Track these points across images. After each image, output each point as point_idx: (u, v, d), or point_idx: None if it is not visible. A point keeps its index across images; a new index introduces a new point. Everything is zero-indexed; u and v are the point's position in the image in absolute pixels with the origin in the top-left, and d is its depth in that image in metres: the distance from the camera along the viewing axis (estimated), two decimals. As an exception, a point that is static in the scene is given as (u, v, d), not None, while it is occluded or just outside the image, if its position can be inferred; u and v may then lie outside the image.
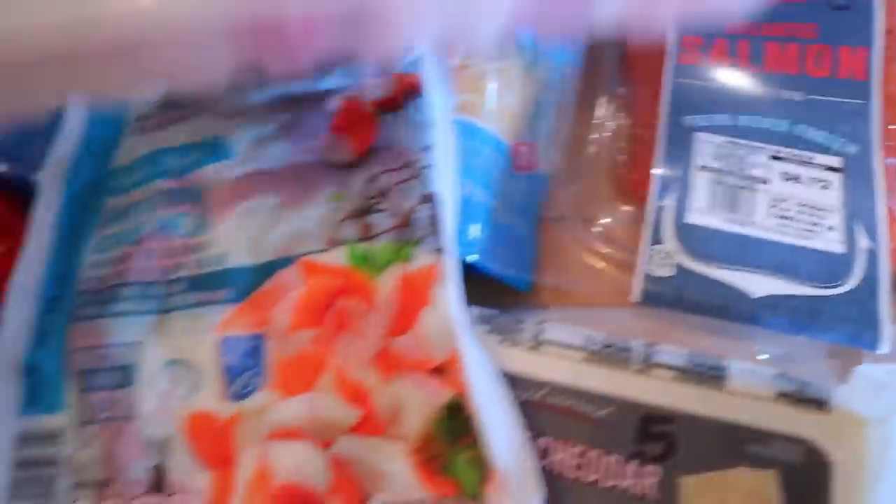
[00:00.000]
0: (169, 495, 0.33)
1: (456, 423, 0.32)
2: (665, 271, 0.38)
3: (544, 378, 0.35)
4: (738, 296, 0.38)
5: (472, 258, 0.39)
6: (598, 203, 0.44)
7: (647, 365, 0.35)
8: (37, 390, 0.36)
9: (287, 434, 0.33)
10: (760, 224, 0.40)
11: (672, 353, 0.36)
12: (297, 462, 0.33)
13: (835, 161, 0.41)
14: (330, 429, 0.33)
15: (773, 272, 0.38)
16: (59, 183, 0.41)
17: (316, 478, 0.33)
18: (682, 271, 0.38)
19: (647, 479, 0.33)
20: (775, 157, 0.41)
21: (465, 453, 0.32)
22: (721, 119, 0.43)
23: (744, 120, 0.43)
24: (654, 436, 0.34)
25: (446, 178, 0.37)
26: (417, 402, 0.33)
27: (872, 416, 0.33)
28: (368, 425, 0.33)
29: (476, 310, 0.37)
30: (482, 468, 0.31)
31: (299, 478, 0.32)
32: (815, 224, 0.39)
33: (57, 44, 0.23)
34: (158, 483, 0.34)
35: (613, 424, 0.34)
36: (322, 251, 0.36)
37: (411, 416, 0.33)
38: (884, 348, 0.36)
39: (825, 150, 0.41)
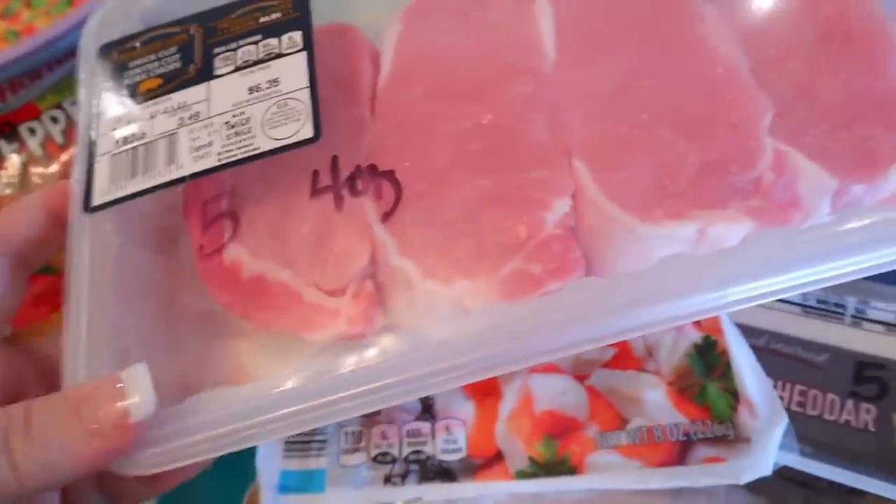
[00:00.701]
0: (436, 420, 0.37)
1: (708, 359, 0.37)
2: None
3: (765, 327, 0.39)
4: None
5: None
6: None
7: (859, 319, 0.39)
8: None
9: (546, 369, 0.38)
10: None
11: (883, 309, 0.39)
12: (557, 391, 0.38)
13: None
14: (586, 364, 0.38)
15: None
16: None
17: (575, 405, 0.37)
18: None
19: (864, 415, 0.37)
20: None
21: (716, 384, 0.37)
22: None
23: None
24: (868, 379, 0.38)
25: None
26: (671, 341, 0.37)
27: None
28: (623, 361, 0.38)
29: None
30: (733, 396, 0.36)
31: (559, 405, 0.37)
32: None
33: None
34: (427, 410, 0.38)
35: (831, 369, 0.38)
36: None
37: (665, 352, 0.37)
38: None
39: None
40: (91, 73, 0.33)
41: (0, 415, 0.24)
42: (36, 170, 0.44)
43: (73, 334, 0.27)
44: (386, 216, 0.28)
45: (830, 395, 0.38)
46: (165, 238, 0.32)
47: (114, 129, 0.30)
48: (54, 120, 0.45)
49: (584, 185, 0.28)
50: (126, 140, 0.30)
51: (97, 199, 0.29)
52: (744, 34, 0.31)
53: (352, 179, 0.28)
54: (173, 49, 0.32)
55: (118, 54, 0.33)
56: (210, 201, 0.30)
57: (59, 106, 0.46)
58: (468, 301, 0.27)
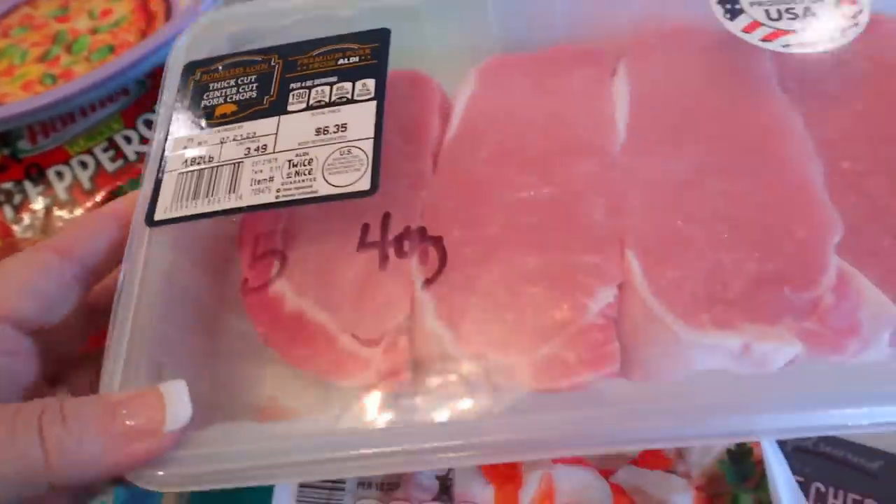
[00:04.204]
0: (454, 503, 0.36)
1: (742, 467, 0.35)
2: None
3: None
4: None
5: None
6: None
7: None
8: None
9: (571, 461, 0.36)
10: None
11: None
12: (580, 486, 0.35)
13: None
14: (613, 459, 0.36)
15: None
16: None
17: (598, 501, 0.35)
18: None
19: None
20: None
21: (750, 495, 0.35)
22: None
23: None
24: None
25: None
26: (704, 444, 0.36)
27: None
28: (652, 459, 0.36)
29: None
30: (767, 508, 0.34)
31: (581, 500, 0.35)
32: None
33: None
34: (445, 492, 0.36)
35: (886, 477, 0.35)
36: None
37: (697, 454, 0.35)
38: None
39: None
40: (174, 88, 0.34)
41: (36, 403, 0.24)
42: (60, 213, 0.43)
43: (115, 342, 0.28)
44: (427, 282, 0.28)
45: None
46: (218, 260, 0.33)
47: (185, 148, 0.32)
48: (83, 165, 0.45)
49: (633, 277, 0.28)
50: (194, 161, 0.31)
51: (160, 214, 0.30)
52: (824, 144, 0.30)
53: (399, 240, 0.28)
54: (253, 77, 0.33)
55: (201, 74, 0.34)
56: (262, 236, 0.30)
57: (89, 151, 0.45)
58: (498, 378, 0.27)
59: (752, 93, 0.30)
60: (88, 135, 0.46)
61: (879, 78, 0.29)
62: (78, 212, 0.44)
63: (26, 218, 0.43)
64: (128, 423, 0.24)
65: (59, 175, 0.44)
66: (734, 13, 0.29)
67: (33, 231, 0.43)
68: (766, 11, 0.29)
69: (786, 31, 0.29)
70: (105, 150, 0.45)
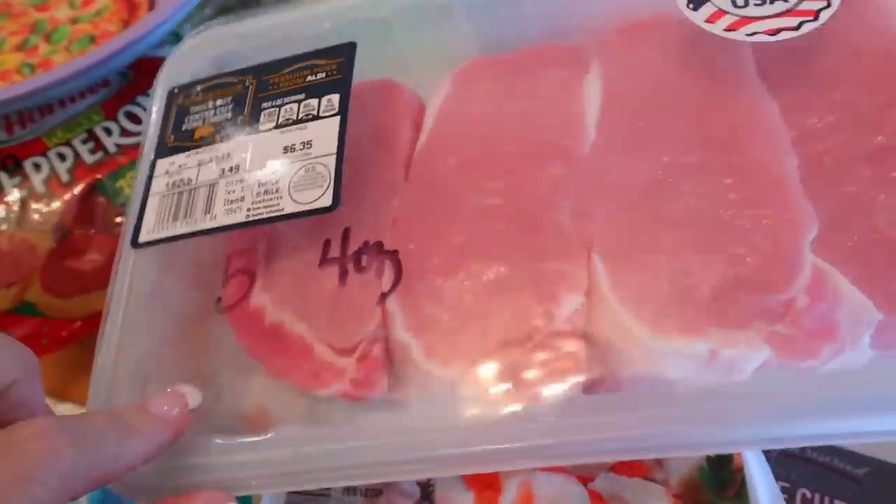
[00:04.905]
0: None
1: (721, 475, 0.34)
2: None
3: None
4: None
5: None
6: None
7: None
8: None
9: (550, 467, 0.35)
10: None
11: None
12: (559, 492, 0.35)
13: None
14: (591, 466, 0.35)
15: None
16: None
17: None
18: None
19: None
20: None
21: (730, 503, 0.34)
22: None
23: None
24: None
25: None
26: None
27: None
28: (630, 466, 0.35)
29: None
30: (746, 519, 0.33)
31: None
32: None
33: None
34: (426, 497, 0.36)
35: (873, 484, 0.34)
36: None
37: (675, 461, 0.35)
38: None
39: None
40: (160, 112, 0.35)
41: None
42: (36, 206, 0.41)
43: (102, 362, 0.29)
44: (383, 296, 0.28)
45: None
46: (206, 276, 0.34)
47: (167, 172, 0.33)
48: (62, 157, 0.43)
49: (598, 282, 0.27)
50: (175, 184, 0.32)
51: (144, 236, 0.31)
52: (804, 135, 0.28)
53: (358, 254, 0.29)
54: (228, 99, 0.34)
55: (183, 98, 0.35)
56: (235, 255, 0.31)
57: (68, 143, 0.43)
58: (464, 387, 0.27)
59: (726, 86, 0.29)
60: (67, 126, 0.44)
61: (858, 64, 0.28)
62: (55, 204, 0.42)
63: (1, 210, 0.41)
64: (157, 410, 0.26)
65: (37, 167, 0.42)
66: (697, 3, 0.28)
67: (8, 224, 0.41)
68: (733, -1, 0.28)
69: (751, 19, 0.27)
70: (84, 142, 0.43)
